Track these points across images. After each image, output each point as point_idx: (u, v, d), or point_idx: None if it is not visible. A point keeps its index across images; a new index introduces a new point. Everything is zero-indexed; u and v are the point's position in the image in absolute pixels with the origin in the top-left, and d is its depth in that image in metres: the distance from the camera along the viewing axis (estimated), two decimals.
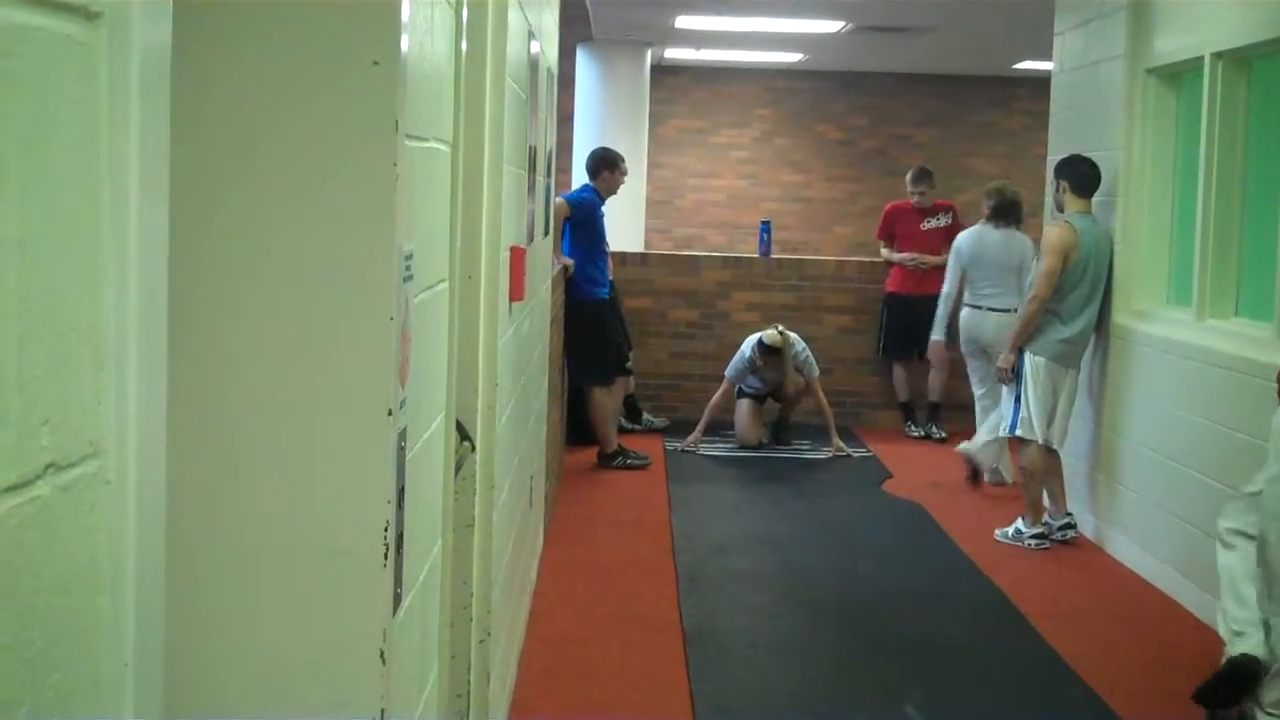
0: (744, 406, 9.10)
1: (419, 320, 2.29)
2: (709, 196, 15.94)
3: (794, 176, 15.95)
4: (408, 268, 2.10)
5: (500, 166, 3.80)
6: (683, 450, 8.89)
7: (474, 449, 3.56)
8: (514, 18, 4.06)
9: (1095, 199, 6.92)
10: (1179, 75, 6.66)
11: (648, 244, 13.78)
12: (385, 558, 1.93)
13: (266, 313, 1.90)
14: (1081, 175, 6.89)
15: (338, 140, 1.91)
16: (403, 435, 2.10)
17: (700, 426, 9.00)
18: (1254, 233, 5.93)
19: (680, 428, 9.36)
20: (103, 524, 1.00)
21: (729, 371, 8.97)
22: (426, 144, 2.36)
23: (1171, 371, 6.24)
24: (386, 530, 1.93)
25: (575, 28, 11.79)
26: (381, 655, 1.92)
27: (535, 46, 5.24)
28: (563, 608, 5.72)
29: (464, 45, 2.88)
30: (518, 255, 4.27)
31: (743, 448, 9.06)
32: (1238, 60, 6.05)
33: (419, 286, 2.27)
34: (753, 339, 9.00)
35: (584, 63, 13.18)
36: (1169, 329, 6.40)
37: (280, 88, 1.90)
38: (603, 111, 12.97)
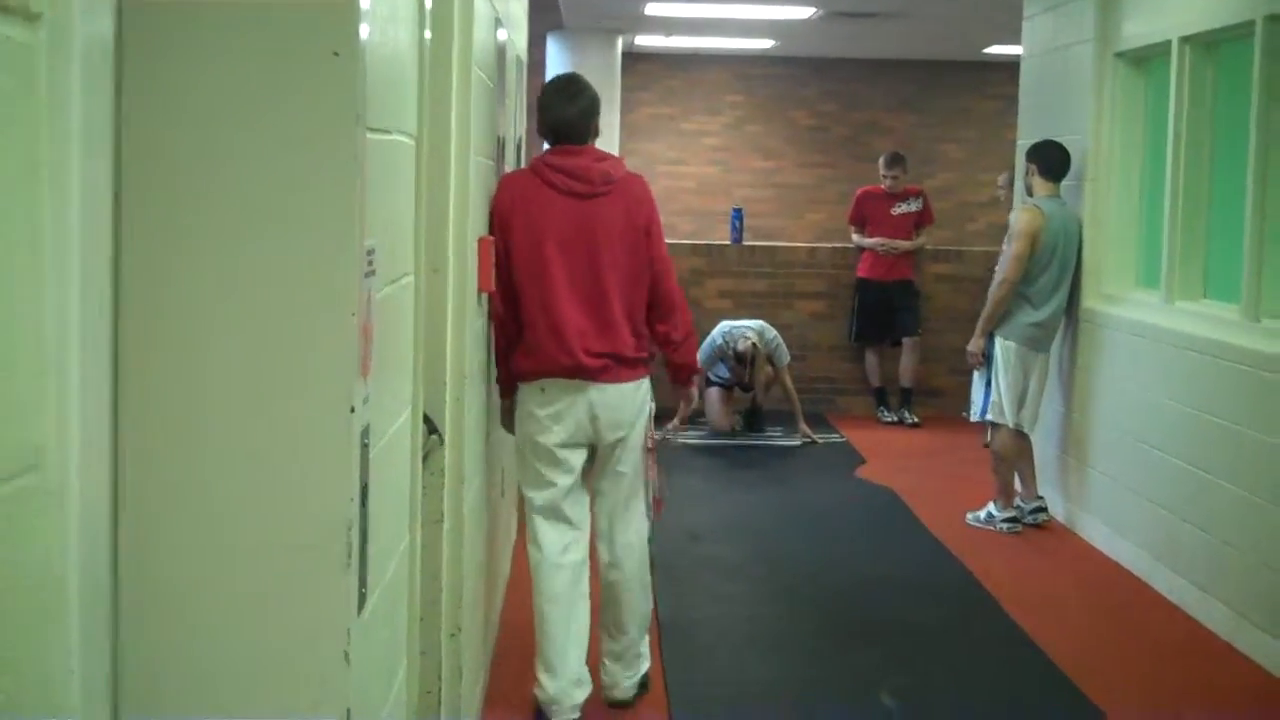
0: (714, 395, 9.10)
1: (383, 315, 2.27)
2: (681, 183, 15.91)
3: (765, 163, 15.94)
4: (370, 263, 2.08)
5: (467, 157, 3.78)
6: (663, 437, 8.86)
7: (442, 442, 3.55)
8: (480, 6, 4.03)
9: (1065, 183, 6.92)
10: (1147, 59, 6.67)
11: None
12: (349, 556, 1.91)
13: (227, 310, 1.87)
14: (1050, 159, 6.90)
15: (298, 134, 1.88)
16: (366, 431, 2.08)
17: (679, 416, 8.97)
18: (1222, 215, 5.95)
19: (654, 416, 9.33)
20: (47, 532, 0.98)
21: (700, 358, 8.94)
22: (390, 136, 2.33)
23: (1141, 354, 6.26)
24: (350, 528, 1.91)
25: (546, 15, 11.73)
26: (346, 654, 1.91)
27: (503, 34, 5.20)
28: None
29: (427, 34, 2.85)
30: (485, 246, 4.25)
31: (715, 435, 9.06)
32: (1205, 44, 6.06)
33: (382, 281, 2.25)
34: (722, 326, 9.00)
35: (555, 50, 13.13)
36: (1138, 312, 6.41)
37: (238, 81, 1.87)
38: None
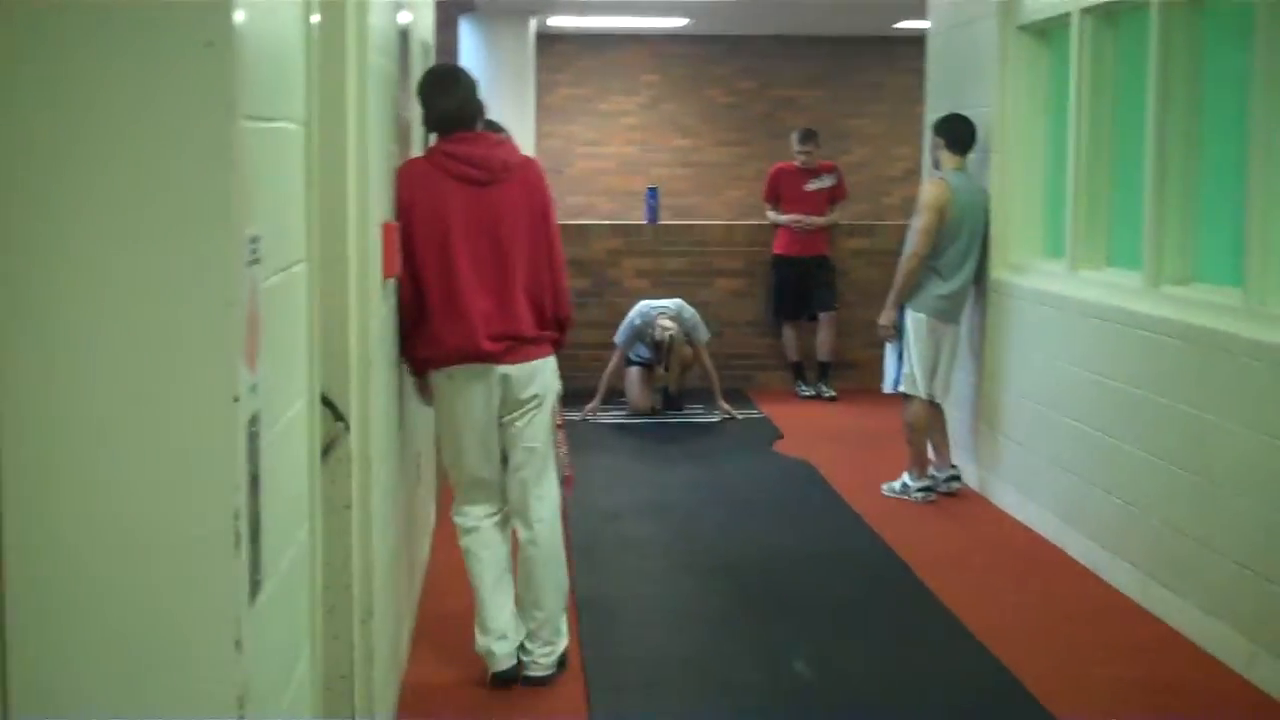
0: (634, 374, 9.13)
1: (272, 303, 2.27)
2: (599, 164, 15.93)
3: (683, 141, 15.99)
4: (254, 251, 2.08)
5: (366, 143, 3.76)
6: (582, 419, 8.88)
7: (348, 428, 3.54)
8: None
9: (972, 155, 7.01)
10: (1049, 31, 6.76)
11: None
12: (237, 545, 1.92)
13: (105, 303, 1.87)
14: (956, 132, 6.98)
15: (172, 124, 1.87)
16: (255, 419, 2.08)
17: (599, 395, 9.02)
18: (1123, 185, 6.05)
19: (574, 397, 9.31)
20: None
21: (619, 339, 8.99)
22: (274, 124, 2.32)
23: (1048, 323, 6.36)
24: (237, 517, 1.91)
25: None
26: (237, 642, 1.91)
27: (405, 18, 5.18)
28: (456, 582, 5.66)
29: (315, 19, 2.82)
30: (389, 231, 4.24)
31: (636, 414, 9.09)
32: (1105, 15, 6.15)
33: (270, 269, 2.24)
34: (640, 306, 9.04)
35: (467, 33, 13.08)
36: (1044, 281, 6.52)
37: (109, 70, 1.86)
38: (489, 82, 12.82)
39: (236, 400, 1.91)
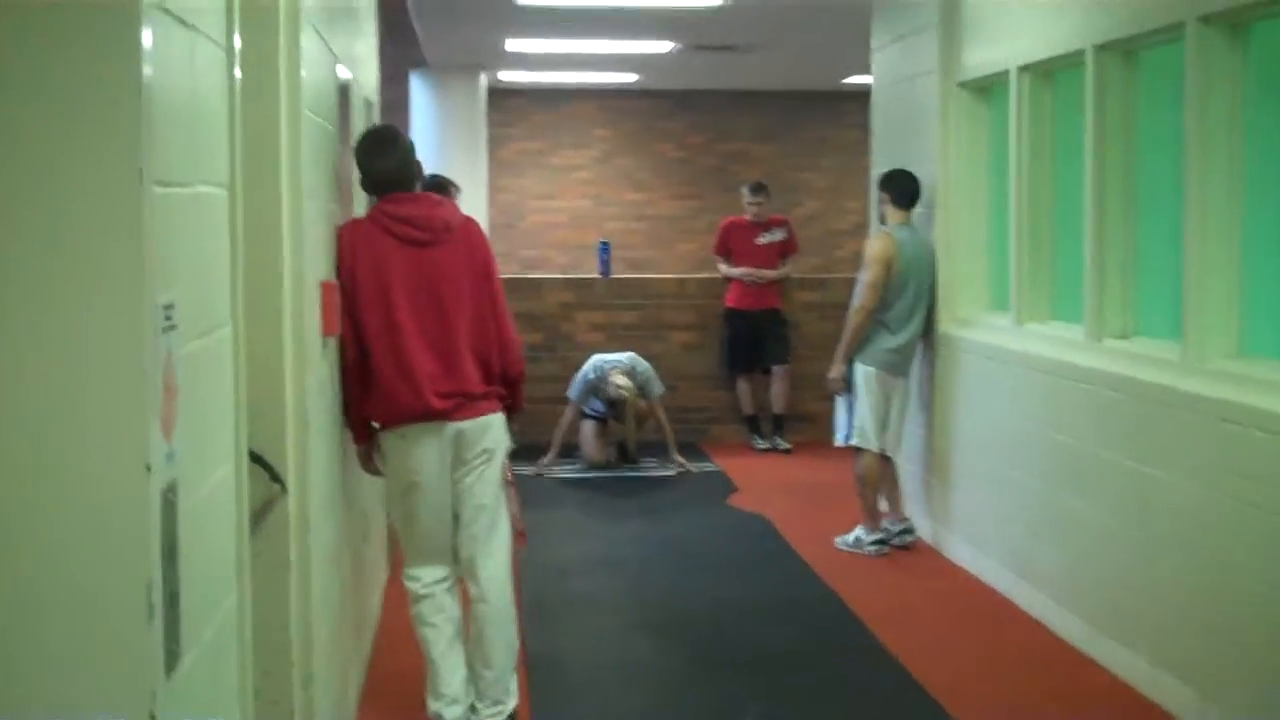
0: (588, 428, 9.10)
1: (193, 368, 2.24)
2: (551, 218, 15.96)
3: (636, 195, 16.05)
4: (169, 318, 2.05)
5: (301, 202, 3.73)
6: (536, 473, 8.84)
7: (285, 490, 3.51)
8: (310, 45, 3.98)
9: (916, 210, 7.05)
10: (988, 89, 6.83)
11: None
12: (151, 616, 1.88)
13: (15, 372, 1.84)
14: (901, 187, 7.03)
15: (79, 193, 1.85)
16: (172, 487, 2.05)
17: (554, 450, 8.99)
18: (1064, 238, 6.10)
19: (528, 451, 9.28)
20: None
21: (572, 393, 8.97)
22: (192, 189, 2.30)
23: (994, 376, 6.39)
24: (150, 587, 1.88)
25: (409, 53, 11.71)
26: (151, 715, 1.87)
27: (344, 74, 5.17)
28: (406, 640, 5.60)
29: (237, 74, 2.77)
30: (328, 290, 4.22)
31: (590, 468, 9.06)
32: (1042, 73, 6.23)
33: (189, 335, 2.21)
34: (594, 360, 9.02)
35: (418, 88, 13.12)
36: (990, 335, 6.55)
37: (8, 133, 1.83)
38: (440, 136, 12.91)
39: (149, 469, 1.88)
